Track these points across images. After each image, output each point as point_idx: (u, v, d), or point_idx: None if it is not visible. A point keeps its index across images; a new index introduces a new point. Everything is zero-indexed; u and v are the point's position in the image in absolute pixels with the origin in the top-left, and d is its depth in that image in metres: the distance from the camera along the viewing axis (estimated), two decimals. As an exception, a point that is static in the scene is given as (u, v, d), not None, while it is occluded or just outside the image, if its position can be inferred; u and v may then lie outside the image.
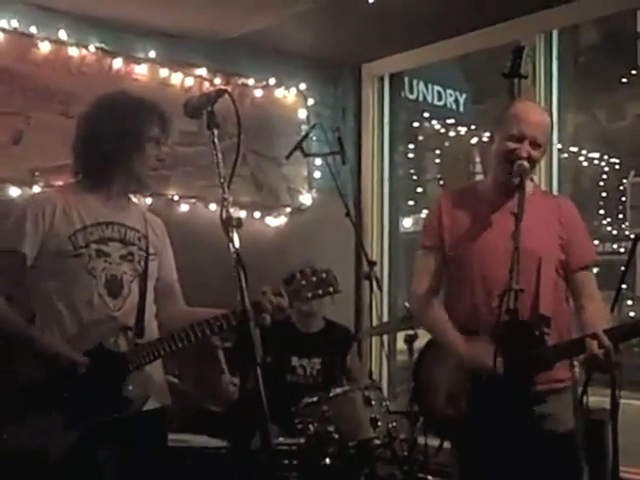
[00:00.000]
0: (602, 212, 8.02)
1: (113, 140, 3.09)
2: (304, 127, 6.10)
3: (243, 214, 5.79)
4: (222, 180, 2.58)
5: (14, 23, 5.05)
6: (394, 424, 4.06)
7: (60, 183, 4.70)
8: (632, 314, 6.26)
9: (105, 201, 3.17)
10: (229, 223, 2.52)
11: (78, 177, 3.22)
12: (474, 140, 8.06)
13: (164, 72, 5.66)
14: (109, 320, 3.06)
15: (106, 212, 3.16)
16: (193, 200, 5.72)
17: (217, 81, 5.84)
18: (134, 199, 3.37)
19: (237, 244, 2.51)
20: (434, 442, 3.91)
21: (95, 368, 2.98)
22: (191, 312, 3.27)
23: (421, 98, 6.96)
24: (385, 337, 5.91)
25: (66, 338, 3.02)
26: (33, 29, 5.12)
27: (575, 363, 3.36)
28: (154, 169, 3.20)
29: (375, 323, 5.47)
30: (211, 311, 3.12)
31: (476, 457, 3.10)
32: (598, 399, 3.76)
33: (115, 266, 3.11)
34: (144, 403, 3.08)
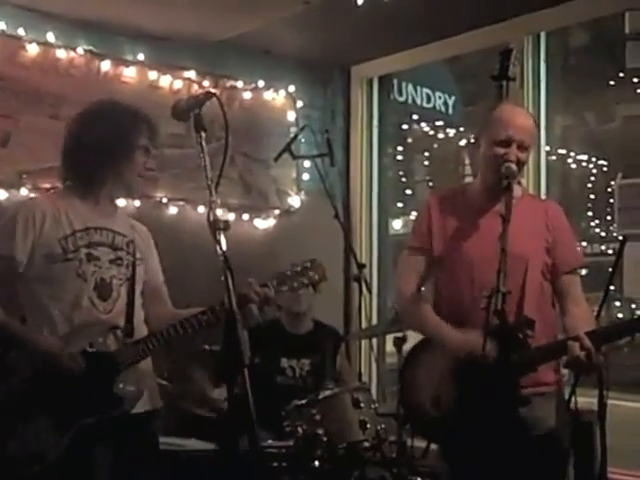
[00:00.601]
0: (590, 214, 8.06)
1: (103, 149, 3.13)
2: (293, 129, 6.08)
3: (232, 216, 5.77)
4: (209, 182, 2.58)
5: (2, 25, 5.02)
6: (383, 426, 4.06)
7: (48, 185, 4.72)
8: (620, 315, 6.29)
9: (94, 207, 3.21)
10: (216, 226, 2.52)
11: (66, 183, 3.27)
12: (463, 142, 8.08)
13: (153, 75, 5.63)
14: (99, 322, 3.10)
15: (94, 217, 3.20)
16: (181, 202, 5.70)
17: (206, 83, 5.83)
18: (123, 201, 3.39)
19: (224, 246, 2.51)
20: (422, 444, 3.91)
21: (85, 370, 3.01)
22: (178, 313, 3.29)
23: (410, 100, 6.94)
24: (374, 340, 5.90)
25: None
26: (21, 31, 5.09)
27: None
28: (141, 176, 3.25)
29: (364, 326, 5.46)
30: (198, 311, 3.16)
31: (462, 459, 3.11)
32: (586, 400, 3.77)
33: (105, 270, 3.15)
34: (137, 399, 3.10)
